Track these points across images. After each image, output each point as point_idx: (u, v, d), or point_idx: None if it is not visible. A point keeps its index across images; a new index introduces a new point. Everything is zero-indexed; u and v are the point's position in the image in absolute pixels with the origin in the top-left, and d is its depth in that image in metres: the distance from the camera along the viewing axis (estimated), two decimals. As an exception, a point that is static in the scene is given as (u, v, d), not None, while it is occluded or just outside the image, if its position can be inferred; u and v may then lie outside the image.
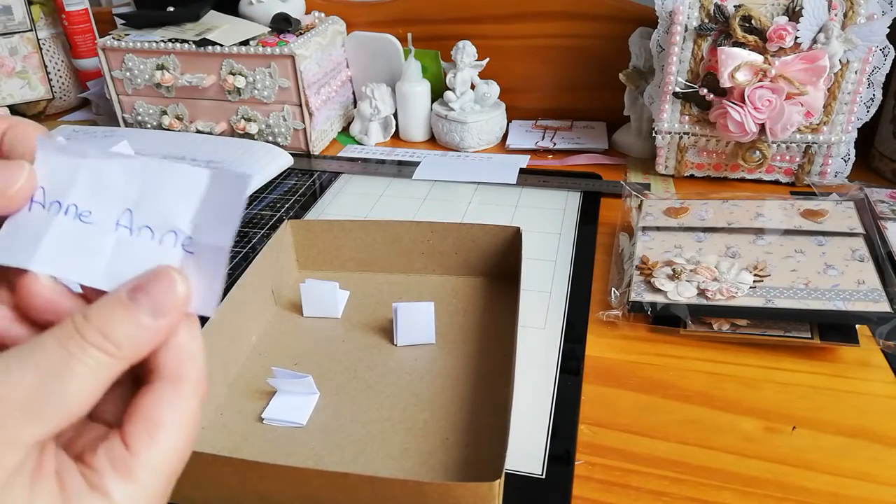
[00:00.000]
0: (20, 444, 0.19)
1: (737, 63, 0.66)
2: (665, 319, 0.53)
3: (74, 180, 0.24)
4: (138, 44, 0.85)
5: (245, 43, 0.83)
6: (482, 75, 0.87)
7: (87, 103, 1.05)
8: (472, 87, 0.87)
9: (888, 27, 0.65)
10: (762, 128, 0.69)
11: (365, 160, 0.86)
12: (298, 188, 0.79)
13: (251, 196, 0.77)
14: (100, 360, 0.20)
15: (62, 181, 0.24)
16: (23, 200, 0.23)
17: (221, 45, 0.82)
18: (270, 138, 0.87)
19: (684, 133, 0.74)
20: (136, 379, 0.23)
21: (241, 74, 0.83)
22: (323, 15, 0.93)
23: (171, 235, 0.23)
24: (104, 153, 0.24)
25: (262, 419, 0.46)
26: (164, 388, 0.22)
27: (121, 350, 0.21)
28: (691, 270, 0.55)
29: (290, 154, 0.85)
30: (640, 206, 0.67)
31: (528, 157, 0.85)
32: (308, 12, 0.93)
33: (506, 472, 0.39)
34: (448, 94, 0.87)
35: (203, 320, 0.34)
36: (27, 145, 0.24)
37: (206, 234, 0.23)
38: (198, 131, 0.89)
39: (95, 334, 0.20)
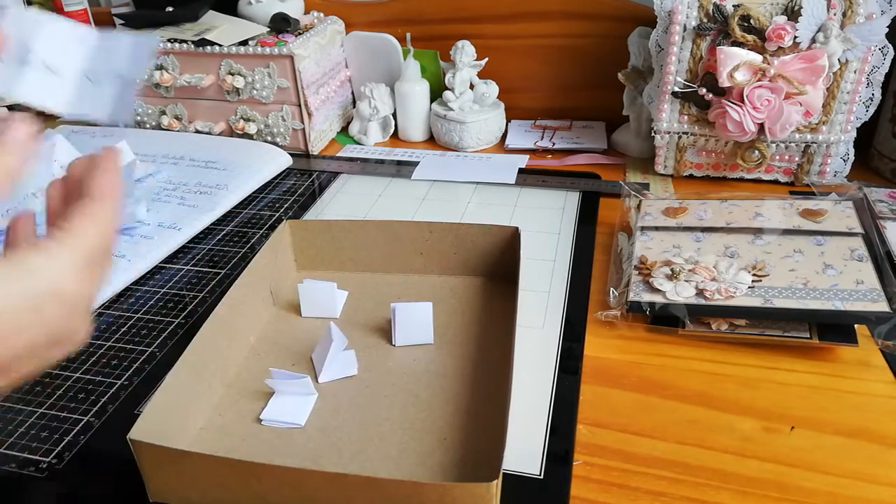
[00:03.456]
0: None
1: (736, 63, 0.66)
2: (663, 319, 0.53)
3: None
4: (137, 44, 0.85)
5: (244, 43, 0.83)
6: (481, 75, 0.87)
7: (86, 103, 1.05)
8: (471, 86, 0.87)
9: (887, 26, 0.65)
10: (761, 127, 0.69)
11: (364, 160, 0.86)
12: (297, 188, 0.79)
13: (250, 196, 0.77)
14: None
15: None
16: None
17: (220, 46, 0.82)
18: (269, 138, 0.87)
19: (683, 133, 0.74)
20: None
21: (239, 74, 0.83)
22: (322, 15, 0.93)
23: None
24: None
25: (261, 420, 0.46)
26: (88, 200, 0.30)
27: None
28: (690, 270, 0.55)
29: (289, 154, 0.84)
30: (638, 206, 0.67)
31: (527, 156, 0.85)
32: (307, 12, 0.93)
33: (504, 473, 0.39)
34: (447, 93, 0.87)
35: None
36: None
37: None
38: (197, 131, 0.89)
39: None
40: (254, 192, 0.78)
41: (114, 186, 0.31)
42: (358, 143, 0.92)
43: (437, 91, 0.90)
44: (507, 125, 0.91)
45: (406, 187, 0.78)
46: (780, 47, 0.66)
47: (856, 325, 0.50)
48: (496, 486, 0.35)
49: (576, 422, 0.45)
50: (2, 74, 0.33)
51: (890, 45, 0.68)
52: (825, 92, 0.68)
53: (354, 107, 0.93)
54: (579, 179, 0.78)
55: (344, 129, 0.95)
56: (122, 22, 0.89)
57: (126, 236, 0.64)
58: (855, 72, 0.68)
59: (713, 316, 0.52)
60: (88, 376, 0.51)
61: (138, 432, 0.38)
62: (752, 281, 0.53)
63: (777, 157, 0.73)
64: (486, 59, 0.87)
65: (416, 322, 0.52)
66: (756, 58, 0.66)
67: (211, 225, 0.71)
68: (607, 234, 0.67)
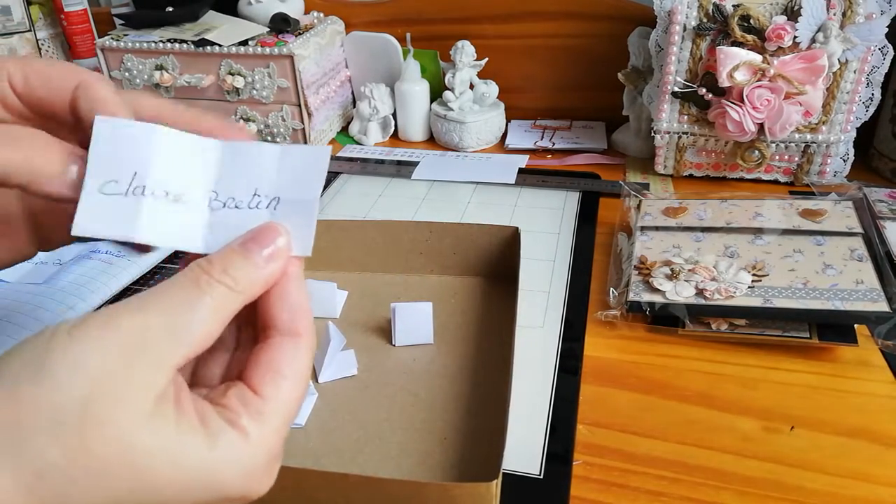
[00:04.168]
0: (166, 365, 0.22)
1: (735, 62, 0.66)
2: (663, 319, 0.53)
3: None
4: (137, 44, 0.85)
5: (244, 43, 0.83)
6: (481, 75, 0.87)
7: (86, 103, 1.05)
8: (471, 86, 0.87)
9: (887, 26, 0.65)
10: (761, 127, 0.69)
11: (364, 160, 0.86)
12: (297, 188, 0.79)
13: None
14: (223, 294, 0.24)
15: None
16: (71, 190, 0.25)
17: (220, 46, 0.82)
18: (269, 138, 0.87)
19: (683, 133, 0.74)
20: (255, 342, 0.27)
21: (239, 74, 0.83)
22: (322, 15, 0.93)
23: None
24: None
25: (260, 419, 0.46)
26: (283, 341, 0.25)
27: (239, 285, 0.24)
28: (690, 270, 0.55)
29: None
30: (638, 206, 0.67)
31: (527, 156, 0.85)
32: (307, 12, 0.93)
33: (504, 472, 0.39)
34: (447, 93, 0.87)
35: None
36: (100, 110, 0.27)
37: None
38: (197, 131, 0.89)
39: (220, 273, 0.24)
40: (254, 192, 0.78)
41: (307, 313, 0.26)
42: (358, 143, 0.92)
43: (437, 91, 0.90)
44: (507, 125, 0.91)
45: (406, 187, 0.78)
46: (779, 47, 0.66)
47: (856, 325, 0.50)
48: (496, 486, 0.35)
49: (576, 422, 0.45)
50: (113, 213, 0.25)
51: (890, 45, 0.68)
52: (825, 92, 0.68)
53: (354, 107, 0.93)
54: (579, 179, 0.78)
55: (344, 129, 0.95)
56: (122, 22, 0.89)
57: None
58: (855, 72, 0.68)
59: (713, 316, 0.52)
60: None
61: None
62: (752, 281, 0.53)
63: (777, 157, 0.73)
64: (486, 59, 0.87)
65: (416, 322, 0.52)
66: (756, 58, 0.66)
67: (211, 225, 0.71)
68: (607, 234, 0.67)
